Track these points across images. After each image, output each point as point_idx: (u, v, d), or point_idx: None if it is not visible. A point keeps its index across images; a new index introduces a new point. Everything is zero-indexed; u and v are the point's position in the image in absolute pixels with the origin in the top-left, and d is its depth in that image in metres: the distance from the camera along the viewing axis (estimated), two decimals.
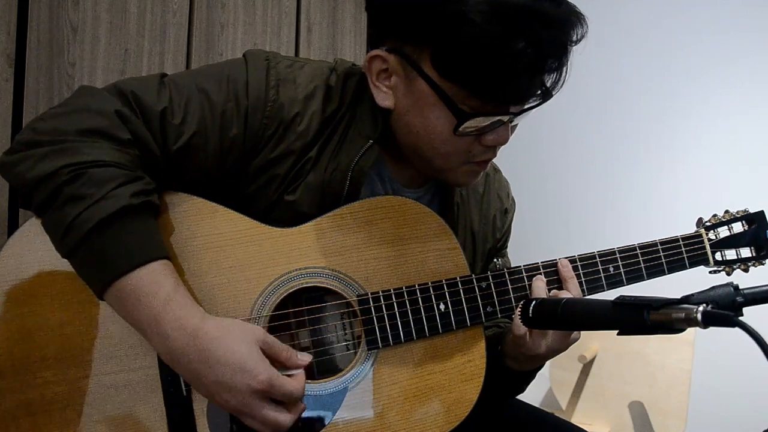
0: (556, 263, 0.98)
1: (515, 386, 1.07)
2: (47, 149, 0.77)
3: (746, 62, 2.15)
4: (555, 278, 0.98)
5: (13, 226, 1.44)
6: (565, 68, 0.83)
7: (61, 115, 0.81)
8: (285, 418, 0.76)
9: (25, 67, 1.47)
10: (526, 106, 0.85)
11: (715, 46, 2.21)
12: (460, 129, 0.84)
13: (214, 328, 0.76)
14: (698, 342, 1.98)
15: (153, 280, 0.76)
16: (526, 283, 0.97)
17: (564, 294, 0.94)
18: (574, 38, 0.83)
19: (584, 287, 0.99)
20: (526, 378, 1.05)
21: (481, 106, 0.83)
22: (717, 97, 2.20)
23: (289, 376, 0.78)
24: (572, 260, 0.99)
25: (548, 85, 0.84)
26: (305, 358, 0.81)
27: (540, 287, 0.95)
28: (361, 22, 2.41)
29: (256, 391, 0.75)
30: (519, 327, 0.92)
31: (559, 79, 0.84)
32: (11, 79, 1.45)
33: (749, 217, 1.10)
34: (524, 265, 0.98)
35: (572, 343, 0.95)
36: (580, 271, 0.99)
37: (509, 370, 1.01)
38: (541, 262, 0.98)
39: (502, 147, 0.91)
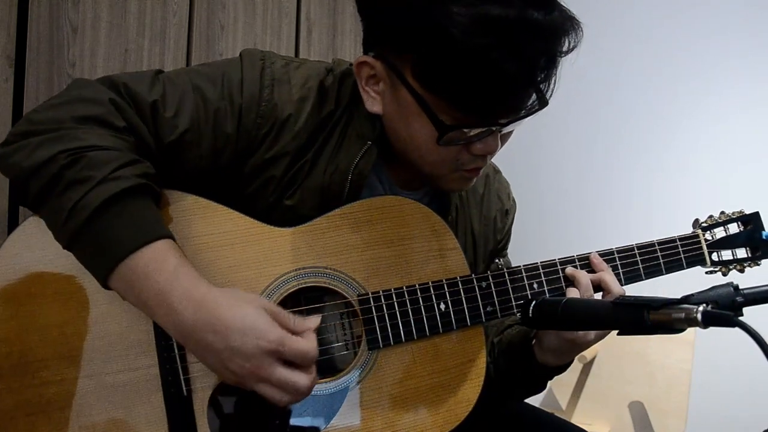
0: (556, 263, 0.98)
1: (541, 382, 1.06)
2: (43, 137, 0.77)
3: (745, 62, 2.15)
4: (555, 277, 0.98)
5: (13, 226, 1.43)
6: (554, 78, 0.81)
7: (56, 106, 0.81)
8: (302, 379, 0.74)
9: (25, 67, 1.47)
10: (517, 116, 0.82)
11: (713, 46, 2.21)
12: (443, 140, 0.82)
13: (220, 296, 0.75)
14: (698, 342, 1.98)
15: (159, 257, 0.75)
16: (526, 282, 0.97)
17: (608, 283, 0.95)
18: (565, 48, 0.80)
19: None
20: (555, 371, 1.03)
21: (465, 118, 0.81)
22: (715, 97, 2.21)
23: None
24: (570, 261, 0.99)
25: (537, 94, 0.81)
26: (313, 320, 0.78)
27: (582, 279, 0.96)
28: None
29: (268, 351, 0.73)
30: None
31: (548, 89, 0.81)
32: (11, 79, 1.45)
33: (745, 218, 1.11)
34: (524, 265, 0.98)
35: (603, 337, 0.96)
36: None
37: (542, 365, 1.00)
38: (541, 262, 0.98)
39: (501, 149, 0.90)
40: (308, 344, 0.75)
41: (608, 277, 0.96)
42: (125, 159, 0.77)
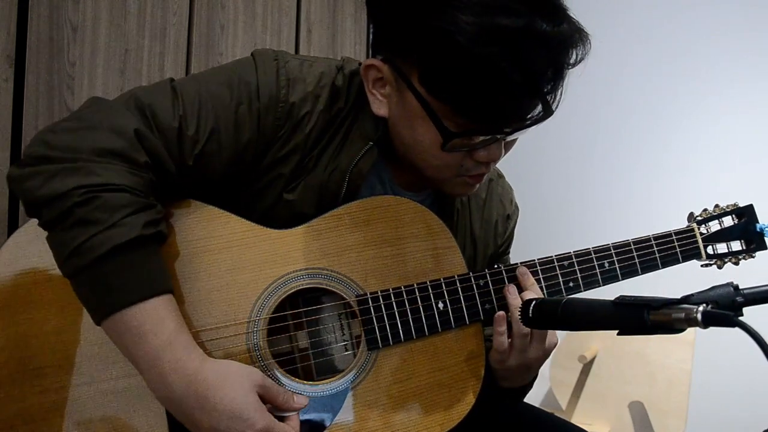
0: (552, 260, 0.99)
1: (513, 398, 1.06)
2: (59, 167, 0.75)
3: (744, 62, 2.16)
4: (553, 274, 0.98)
5: (13, 226, 1.44)
6: (560, 89, 0.80)
7: (76, 131, 0.78)
8: None
9: (25, 67, 1.47)
10: (522, 125, 0.82)
11: (713, 47, 2.21)
12: (447, 146, 0.82)
13: (212, 374, 0.75)
14: (698, 342, 1.98)
15: (156, 317, 0.74)
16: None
17: (528, 295, 0.92)
18: (572, 60, 0.79)
19: (580, 282, 0.99)
20: (521, 392, 1.04)
21: (470, 125, 0.81)
22: (715, 97, 2.21)
23: (282, 418, 0.78)
24: (568, 257, 0.99)
25: (542, 105, 0.80)
26: (301, 401, 0.80)
27: (512, 293, 0.93)
28: (361, 22, 2.41)
29: None
30: (501, 344, 0.91)
31: (554, 100, 0.81)
32: (11, 79, 1.45)
33: (739, 211, 1.12)
34: (521, 263, 0.98)
35: (549, 352, 0.94)
36: (576, 267, 0.99)
37: (503, 389, 1.00)
38: (538, 259, 0.99)
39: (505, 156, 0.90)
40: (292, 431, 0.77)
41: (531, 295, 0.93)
42: (137, 205, 0.75)
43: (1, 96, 1.43)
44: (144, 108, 0.81)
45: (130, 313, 0.73)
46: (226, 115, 0.84)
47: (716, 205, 1.12)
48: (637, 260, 1.02)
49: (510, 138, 0.85)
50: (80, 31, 1.57)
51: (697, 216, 1.11)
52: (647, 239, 1.04)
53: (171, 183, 0.83)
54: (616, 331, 0.75)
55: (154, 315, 0.74)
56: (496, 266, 0.97)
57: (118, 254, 0.73)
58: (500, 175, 1.15)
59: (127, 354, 0.76)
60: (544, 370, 2.21)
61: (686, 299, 0.67)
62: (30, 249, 0.80)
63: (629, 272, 1.02)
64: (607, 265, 1.01)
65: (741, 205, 1.12)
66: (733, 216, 1.12)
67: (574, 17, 0.80)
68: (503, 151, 0.88)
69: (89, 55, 1.59)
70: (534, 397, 2.39)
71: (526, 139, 0.95)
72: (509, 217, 1.13)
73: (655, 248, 1.04)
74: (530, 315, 0.86)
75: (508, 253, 1.16)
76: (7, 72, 1.44)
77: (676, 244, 1.06)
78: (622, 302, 0.73)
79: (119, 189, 0.75)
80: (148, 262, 0.76)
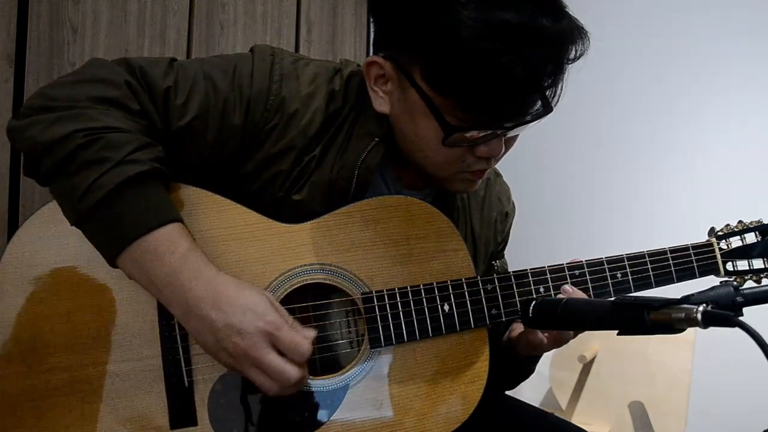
0: (563, 268, 0.98)
1: (522, 371, 1.08)
2: (59, 114, 0.78)
3: (748, 66, 2.15)
4: (563, 282, 0.97)
5: (13, 226, 1.44)
6: (560, 85, 0.82)
7: (73, 84, 0.82)
8: (291, 369, 0.76)
9: (25, 67, 1.47)
10: (523, 120, 0.83)
11: (716, 49, 2.21)
12: (449, 140, 0.83)
13: (228, 279, 0.79)
14: (698, 342, 1.98)
15: (172, 239, 0.78)
16: (532, 287, 0.96)
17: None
18: (572, 56, 0.81)
19: (591, 293, 0.98)
20: (532, 361, 1.06)
21: (472, 120, 0.82)
22: (719, 100, 2.20)
23: None
24: (579, 265, 0.98)
25: (542, 100, 0.81)
26: (311, 331, 0.80)
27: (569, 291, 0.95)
28: (361, 21, 2.41)
29: (264, 332, 0.76)
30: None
31: (554, 95, 0.82)
32: (11, 79, 1.45)
33: (762, 228, 1.07)
34: (530, 269, 0.97)
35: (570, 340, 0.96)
36: (587, 276, 0.98)
37: (516, 356, 1.03)
38: (548, 267, 0.98)
39: (506, 154, 0.90)
40: (303, 339, 0.78)
41: None
42: (140, 142, 0.79)
43: (1, 96, 1.43)
44: (135, 68, 0.84)
45: (146, 239, 0.77)
46: (217, 97, 0.87)
47: (739, 221, 1.08)
48: (651, 272, 1.00)
49: (511, 134, 0.86)
50: (80, 31, 1.57)
51: (717, 231, 1.07)
52: (663, 252, 1.01)
53: (160, 141, 0.84)
54: (616, 331, 0.75)
55: (168, 238, 0.78)
56: (495, 268, 0.97)
57: (129, 187, 0.76)
58: (498, 174, 1.15)
59: (145, 281, 0.78)
60: (544, 370, 2.22)
61: (686, 299, 0.67)
62: (45, 232, 0.82)
63: (643, 284, 1.00)
64: (620, 276, 0.99)
65: (765, 221, 1.08)
66: (757, 233, 1.07)
67: (573, 15, 0.82)
68: (504, 147, 0.88)
69: (89, 55, 1.59)
70: (534, 397, 2.39)
71: (525, 142, 0.95)
72: (507, 215, 1.14)
73: (671, 261, 1.01)
74: (530, 315, 0.86)
75: (504, 250, 1.17)
76: (7, 72, 1.44)
77: (693, 258, 1.02)
78: (622, 302, 0.73)
79: (119, 131, 0.78)
80: (159, 194, 0.80)
